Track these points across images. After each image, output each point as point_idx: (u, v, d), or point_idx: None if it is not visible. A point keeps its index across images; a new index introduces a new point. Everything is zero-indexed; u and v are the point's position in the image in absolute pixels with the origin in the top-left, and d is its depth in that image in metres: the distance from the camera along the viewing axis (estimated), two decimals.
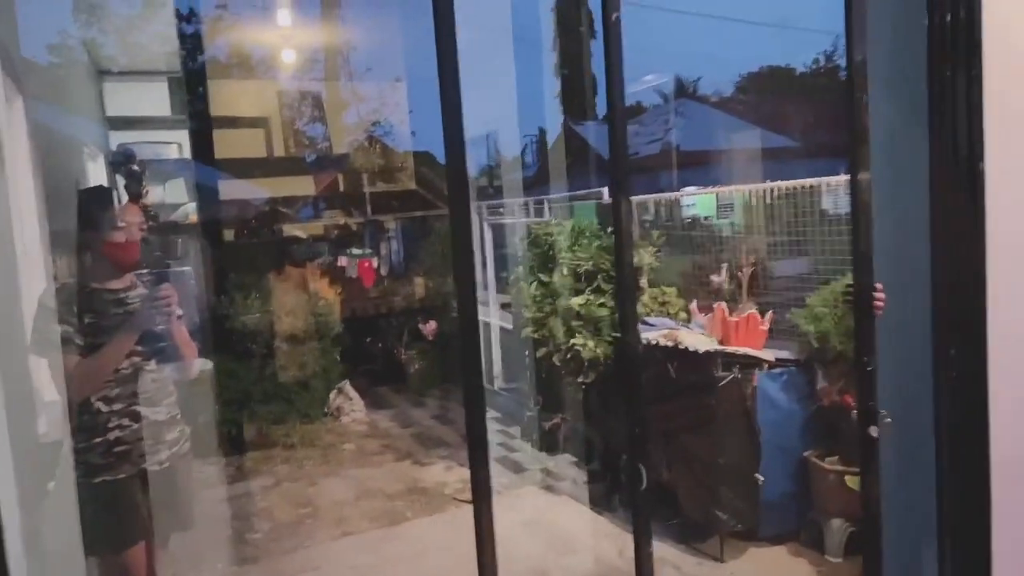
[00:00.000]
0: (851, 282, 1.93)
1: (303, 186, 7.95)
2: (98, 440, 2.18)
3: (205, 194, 6.24)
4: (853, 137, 1.45)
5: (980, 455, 1.88)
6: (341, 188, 8.14)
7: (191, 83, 6.76)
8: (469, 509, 5.05)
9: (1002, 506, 1.90)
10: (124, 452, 2.21)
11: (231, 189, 6.57)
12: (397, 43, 6.67)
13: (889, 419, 1.84)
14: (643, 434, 1.56)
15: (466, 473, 5.55)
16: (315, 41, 6.36)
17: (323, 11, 5.91)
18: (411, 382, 7.36)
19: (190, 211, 6.23)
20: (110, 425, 2.19)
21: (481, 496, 1.39)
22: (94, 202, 2.36)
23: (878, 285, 1.87)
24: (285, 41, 6.26)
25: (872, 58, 2.28)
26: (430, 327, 7.53)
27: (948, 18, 1.82)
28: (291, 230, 7.58)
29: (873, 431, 1.55)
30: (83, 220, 2.28)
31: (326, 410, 6.33)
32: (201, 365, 2.52)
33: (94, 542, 2.15)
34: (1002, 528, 1.91)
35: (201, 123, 6.44)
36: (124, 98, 6.36)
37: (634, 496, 1.57)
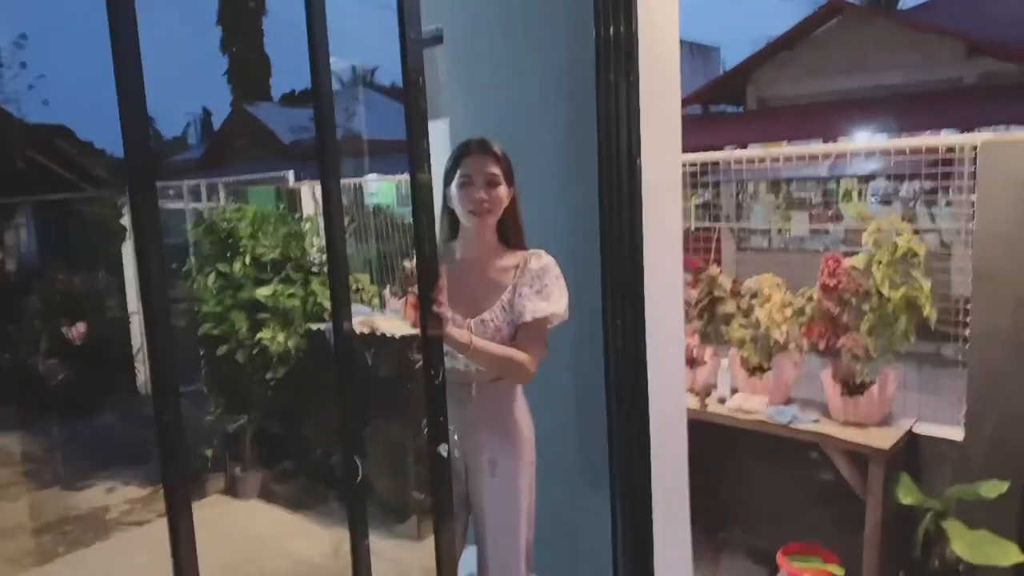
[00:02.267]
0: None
1: None
2: None
3: None
4: (411, 137, 1.46)
5: (642, 405, 2.20)
6: None
7: None
8: (138, 532, 4.47)
9: (658, 445, 2.25)
10: None
11: None
12: None
13: (456, 436, 1.99)
14: (358, 425, 1.51)
15: (132, 492, 4.92)
16: None
17: None
18: (55, 396, 6.24)
19: None
20: None
21: (179, 515, 1.21)
22: None
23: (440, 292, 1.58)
24: None
25: (548, 64, 2.51)
26: (77, 330, 6.47)
27: (611, 31, 2.06)
28: None
29: (443, 450, 1.62)
30: None
31: None
32: None
33: None
34: (659, 464, 2.26)
35: None
36: None
37: (349, 489, 1.50)
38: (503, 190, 1.97)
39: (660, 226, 2.22)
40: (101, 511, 4.27)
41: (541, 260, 2.01)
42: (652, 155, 2.14)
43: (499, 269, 2.01)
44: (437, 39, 2.78)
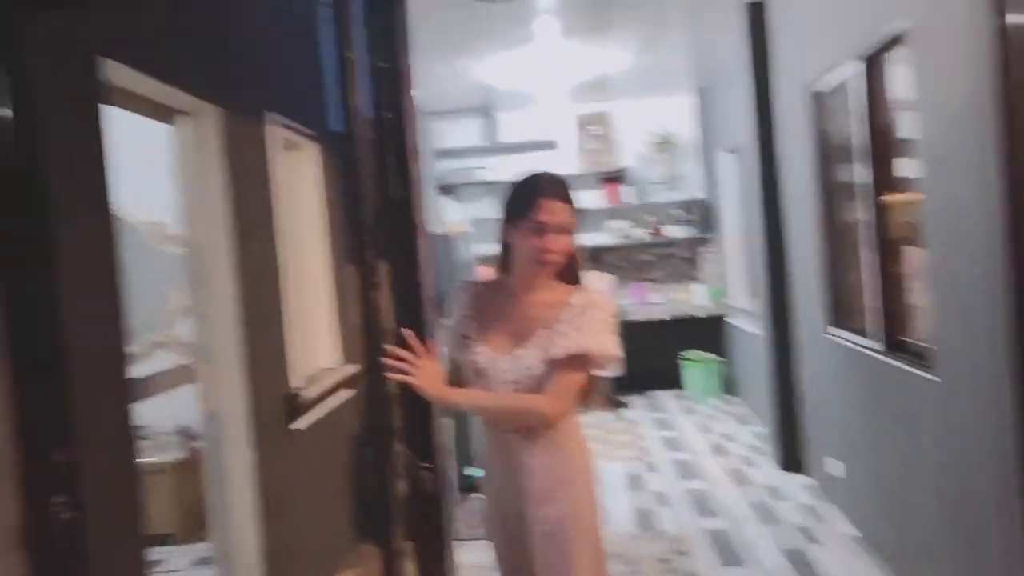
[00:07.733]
0: None
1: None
2: None
3: None
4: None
5: None
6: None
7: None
8: None
9: None
10: None
11: None
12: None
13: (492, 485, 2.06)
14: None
15: None
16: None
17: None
18: None
19: None
20: None
21: None
22: None
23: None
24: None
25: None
26: None
27: None
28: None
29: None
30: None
31: None
32: None
33: None
34: None
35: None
36: None
37: None
38: (572, 238, 1.85)
39: None
40: None
41: (588, 296, 1.85)
42: None
43: (546, 305, 1.85)
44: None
